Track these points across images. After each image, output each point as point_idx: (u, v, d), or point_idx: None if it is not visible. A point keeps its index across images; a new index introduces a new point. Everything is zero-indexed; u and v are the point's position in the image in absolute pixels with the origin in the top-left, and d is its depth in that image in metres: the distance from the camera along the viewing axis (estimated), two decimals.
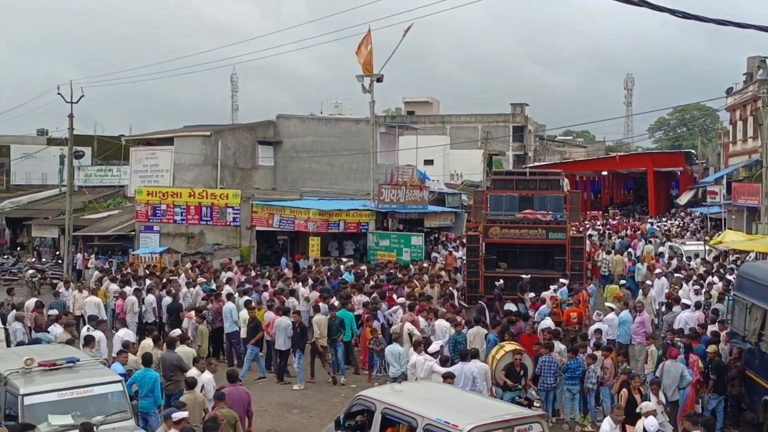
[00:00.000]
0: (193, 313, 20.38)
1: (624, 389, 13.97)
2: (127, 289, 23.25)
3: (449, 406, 11.37)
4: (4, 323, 18.42)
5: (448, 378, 13.77)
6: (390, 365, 17.22)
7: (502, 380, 15.50)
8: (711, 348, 16.29)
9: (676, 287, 23.78)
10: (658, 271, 26.80)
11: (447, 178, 59.04)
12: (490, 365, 15.76)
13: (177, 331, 17.34)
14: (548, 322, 19.18)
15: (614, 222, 57.39)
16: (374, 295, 21.84)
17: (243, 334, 20.35)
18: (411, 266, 28.99)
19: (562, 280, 23.93)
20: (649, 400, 13.29)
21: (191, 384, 13.51)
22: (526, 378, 15.73)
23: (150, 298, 22.47)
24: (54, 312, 19.87)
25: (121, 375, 13.75)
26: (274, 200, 36.29)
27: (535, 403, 14.74)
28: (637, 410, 12.36)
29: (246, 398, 13.30)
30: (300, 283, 24.19)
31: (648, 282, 24.41)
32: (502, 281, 24.52)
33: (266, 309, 20.83)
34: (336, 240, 36.07)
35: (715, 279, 24.35)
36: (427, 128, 72.24)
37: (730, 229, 36.69)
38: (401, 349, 17.15)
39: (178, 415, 11.31)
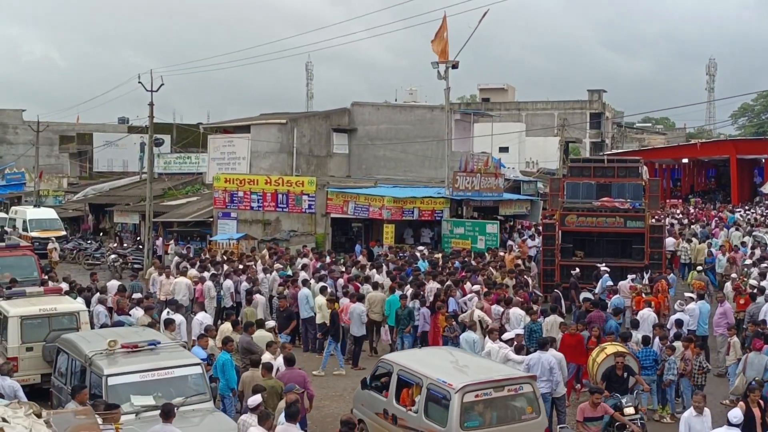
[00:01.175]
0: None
1: (741, 402, 12.48)
2: (206, 275, 23.71)
3: (450, 369, 12.78)
4: (87, 306, 19.00)
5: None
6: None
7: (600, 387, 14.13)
8: None
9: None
10: (748, 261, 26.09)
11: (522, 165, 58.46)
12: (590, 369, 14.97)
13: (271, 323, 17.09)
14: (649, 313, 18.75)
15: (694, 211, 55.98)
16: (448, 282, 21.81)
17: (318, 319, 20.61)
18: (486, 254, 28.84)
19: (603, 268, 23.58)
20: None
21: (254, 362, 13.79)
22: (637, 377, 14.51)
23: (228, 284, 22.88)
24: (138, 295, 20.43)
25: (202, 359, 14.06)
26: (348, 187, 36.48)
27: (625, 410, 13.42)
28: None
29: (302, 380, 13.28)
30: (375, 270, 24.31)
31: (734, 275, 23.82)
32: (578, 270, 24.21)
33: (339, 301, 21.15)
34: (412, 227, 36.11)
35: None
36: (503, 115, 71.62)
37: None
38: (476, 336, 17.07)
39: (253, 402, 11.52)
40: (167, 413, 11.01)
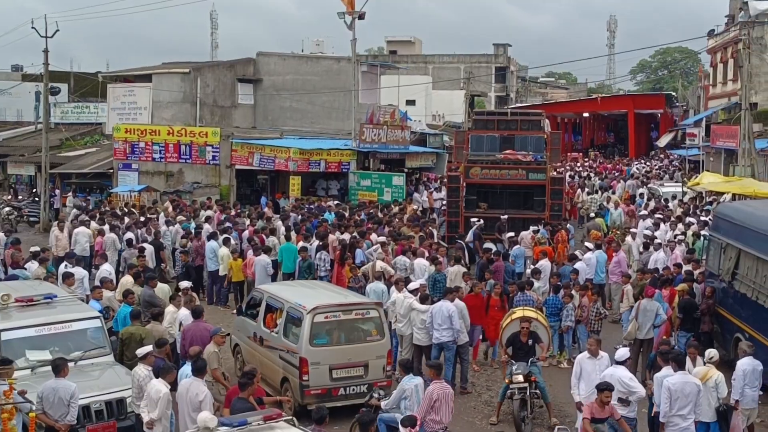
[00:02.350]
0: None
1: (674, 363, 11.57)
2: (106, 227, 23.14)
3: (308, 295, 14.38)
4: None
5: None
6: None
7: (504, 356, 13.94)
8: (681, 287, 16.54)
9: (617, 231, 25.09)
10: (643, 212, 27.01)
11: (429, 118, 58.66)
12: (500, 334, 14.72)
13: (185, 283, 16.05)
14: (545, 263, 19.32)
15: (594, 164, 57.56)
16: (354, 233, 21.90)
17: (221, 271, 20.53)
18: (392, 206, 29.05)
19: (473, 220, 24.23)
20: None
21: (155, 316, 13.71)
22: (542, 345, 13.87)
23: (129, 236, 22.38)
24: (35, 248, 19.79)
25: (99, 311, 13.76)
26: (254, 139, 36.02)
27: (514, 377, 12.87)
28: (706, 360, 11.86)
29: (207, 335, 12.99)
30: (281, 222, 24.21)
31: (633, 230, 24.68)
32: (481, 221, 24.57)
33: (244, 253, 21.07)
34: (326, 179, 36.03)
35: (692, 220, 24.59)
36: (410, 68, 71.52)
37: (708, 171, 36.89)
38: (383, 286, 17.24)
39: (141, 351, 11.36)
40: (57, 367, 10.79)
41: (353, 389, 13.15)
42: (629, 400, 11.11)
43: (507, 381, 13.09)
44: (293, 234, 22.33)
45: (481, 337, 16.55)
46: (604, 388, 10.66)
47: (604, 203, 30.96)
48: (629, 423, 11.10)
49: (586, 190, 35.11)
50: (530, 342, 13.59)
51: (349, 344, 13.44)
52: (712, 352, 12.03)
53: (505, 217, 24.69)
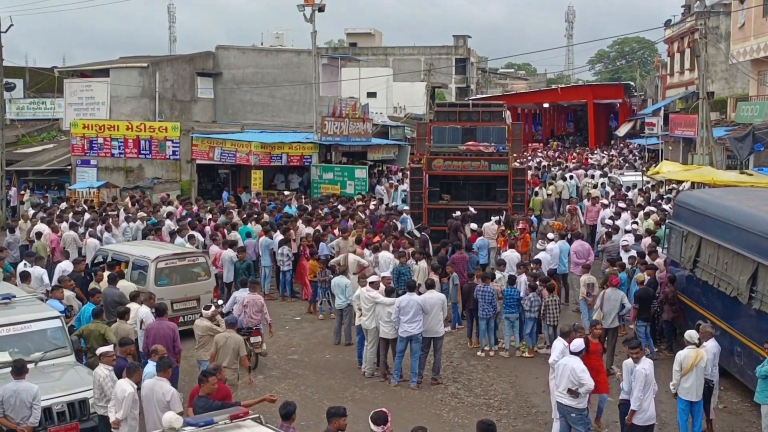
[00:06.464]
0: None
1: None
2: (64, 225, 22.79)
3: (150, 249, 18.10)
4: None
5: None
6: (336, 297, 17.32)
7: None
8: (639, 277, 16.65)
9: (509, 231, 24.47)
10: (604, 201, 27.19)
11: (390, 110, 58.60)
12: None
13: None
14: (511, 253, 19.35)
15: (555, 154, 57.98)
16: (318, 227, 21.81)
17: None
18: (355, 198, 28.99)
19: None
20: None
21: (120, 314, 13.51)
22: None
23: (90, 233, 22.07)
24: None
25: (60, 312, 13.51)
26: (214, 133, 35.70)
27: None
28: (691, 341, 11.85)
29: (170, 333, 13.00)
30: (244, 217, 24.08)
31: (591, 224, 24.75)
32: (460, 212, 24.41)
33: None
34: (283, 173, 35.83)
35: (652, 208, 24.81)
36: (370, 60, 71.45)
37: (667, 159, 37.32)
38: (347, 281, 17.22)
39: (101, 350, 11.19)
40: (18, 369, 10.59)
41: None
42: (578, 391, 11.17)
43: None
44: (257, 227, 22.25)
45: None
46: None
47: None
48: (580, 413, 11.25)
49: (548, 181, 35.32)
50: None
51: (184, 283, 17.46)
52: (693, 334, 12.09)
53: (474, 212, 24.52)
